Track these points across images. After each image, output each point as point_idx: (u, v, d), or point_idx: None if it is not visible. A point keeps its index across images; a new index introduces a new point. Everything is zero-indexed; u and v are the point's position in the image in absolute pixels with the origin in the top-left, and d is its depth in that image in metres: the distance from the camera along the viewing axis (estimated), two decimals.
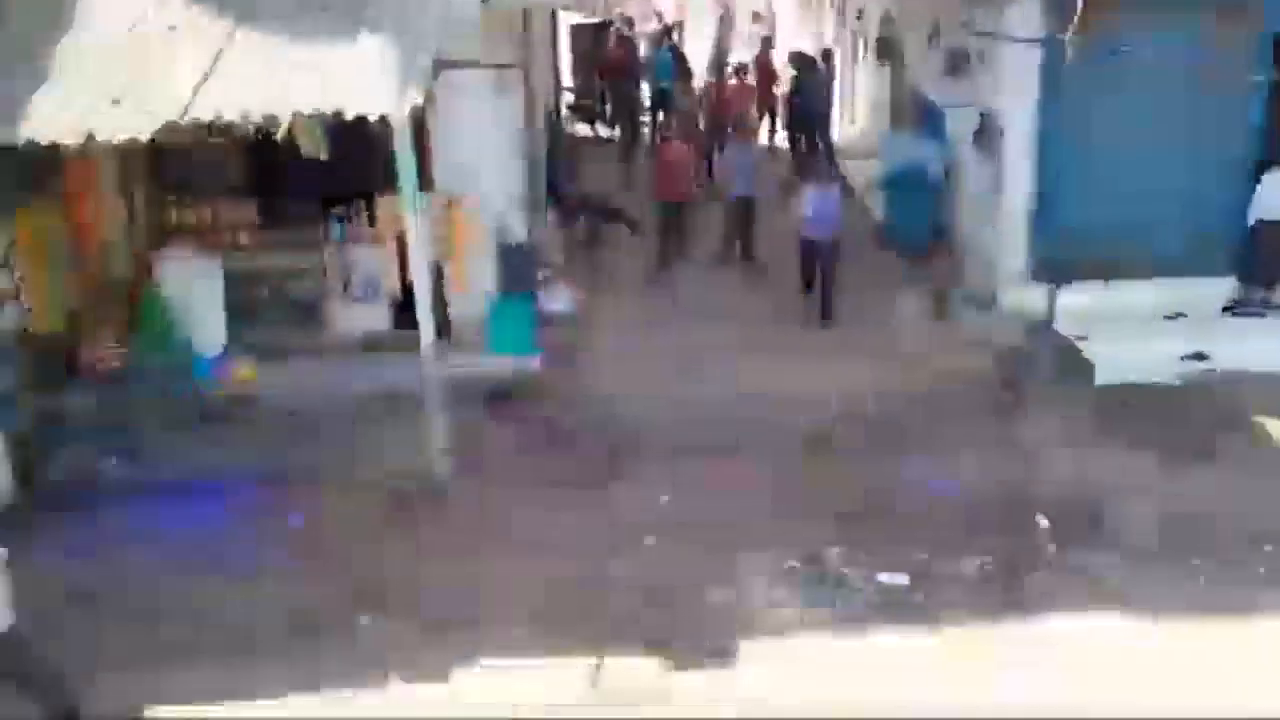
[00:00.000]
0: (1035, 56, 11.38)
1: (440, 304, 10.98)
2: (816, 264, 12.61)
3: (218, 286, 11.30)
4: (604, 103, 21.12)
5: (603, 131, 21.33)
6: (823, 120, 18.51)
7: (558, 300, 12.56)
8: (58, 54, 9.29)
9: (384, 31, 9.34)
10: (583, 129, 21.66)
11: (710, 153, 17.35)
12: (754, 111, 17.96)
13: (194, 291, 11.09)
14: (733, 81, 18.61)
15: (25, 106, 8.65)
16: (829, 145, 18.54)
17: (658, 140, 17.71)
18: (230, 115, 8.55)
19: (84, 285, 10.75)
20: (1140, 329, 11.44)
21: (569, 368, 11.52)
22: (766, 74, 19.94)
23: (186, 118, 8.59)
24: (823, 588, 8.04)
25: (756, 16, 29.60)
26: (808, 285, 12.86)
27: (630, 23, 24.66)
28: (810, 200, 12.54)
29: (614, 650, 7.46)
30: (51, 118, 8.57)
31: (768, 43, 23.18)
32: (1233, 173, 11.75)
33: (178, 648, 7.56)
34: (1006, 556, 8.31)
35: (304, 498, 9.29)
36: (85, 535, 8.85)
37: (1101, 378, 10.81)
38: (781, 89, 19.75)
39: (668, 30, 23.87)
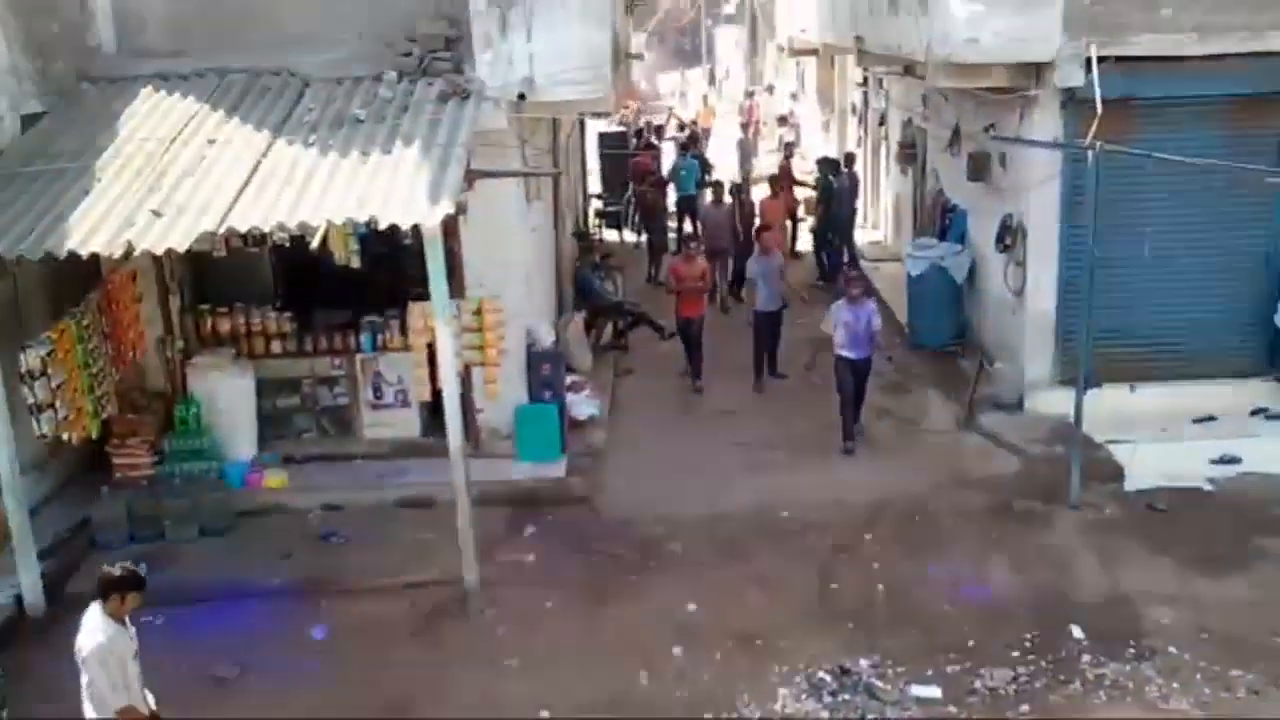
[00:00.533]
0: (1057, 160, 11.52)
1: (469, 410, 11.07)
2: (852, 382, 11.90)
3: (250, 394, 11.45)
4: (631, 209, 21.41)
5: (630, 237, 21.59)
6: (848, 224, 18.69)
7: (585, 406, 12.60)
8: (100, 166, 9.60)
9: (417, 142, 9.61)
10: (611, 235, 21.93)
11: (741, 264, 17.16)
12: (779, 223, 17.69)
13: (227, 399, 11.23)
14: (765, 195, 18.44)
15: (69, 218, 8.91)
16: (853, 249, 18.71)
17: (679, 253, 17.07)
18: (266, 226, 8.76)
19: (119, 393, 10.90)
20: (1169, 432, 11.36)
21: (596, 474, 11.52)
22: (788, 180, 20.29)
23: (224, 229, 8.81)
24: (854, 700, 7.90)
25: (783, 120, 30.14)
26: (844, 405, 11.96)
27: (659, 131, 25.17)
28: (843, 318, 11.81)
29: None
30: (94, 229, 8.83)
31: (790, 149, 23.57)
32: (1259, 274, 11.77)
33: None
34: (1040, 668, 8.16)
35: (332, 606, 9.27)
36: None
37: (1132, 482, 10.71)
38: (805, 194, 19.98)
39: (693, 138, 24.28)
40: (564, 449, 11.56)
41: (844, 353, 11.80)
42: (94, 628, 6.28)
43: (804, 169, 25.81)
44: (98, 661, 6.19)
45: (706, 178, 22.53)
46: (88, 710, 6.29)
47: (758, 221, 16.90)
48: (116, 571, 6.41)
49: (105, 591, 6.36)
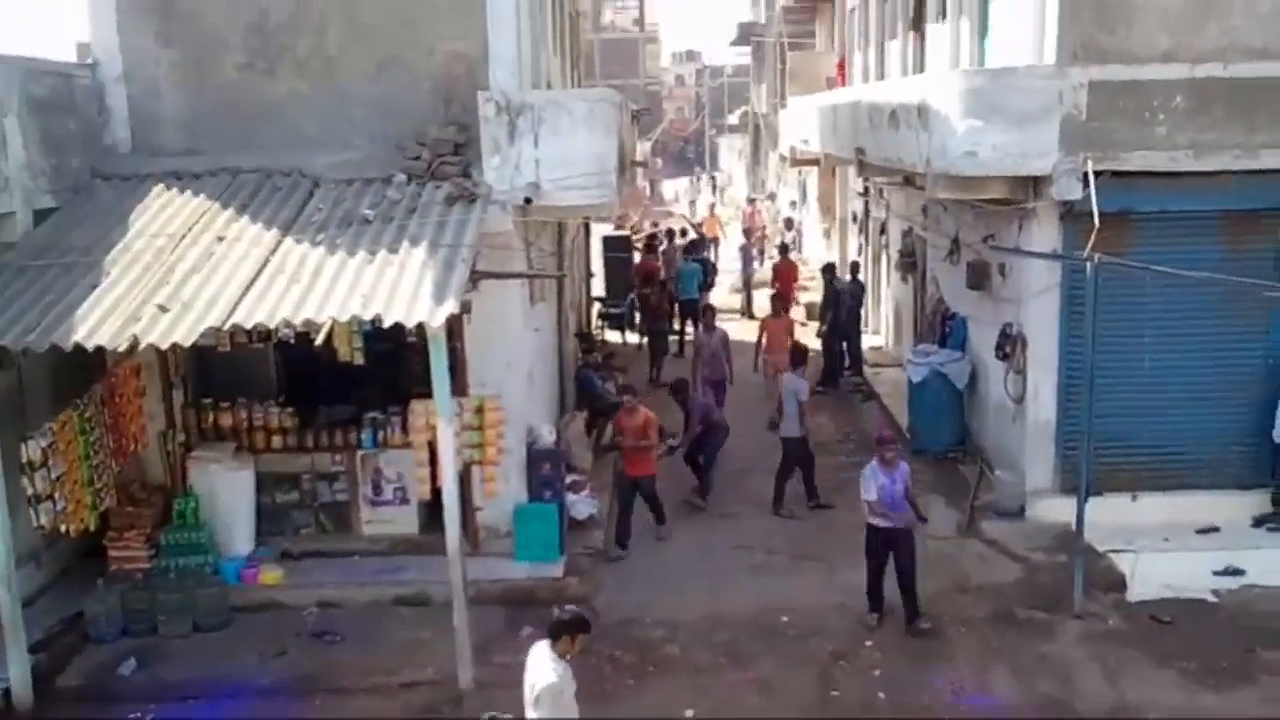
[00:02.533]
0: (1056, 271, 11.66)
1: (468, 508, 11.04)
2: (887, 555, 10.25)
3: (249, 489, 11.43)
4: (635, 311, 21.61)
5: (632, 339, 21.74)
6: (853, 330, 18.85)
7: (585, 506, 12.56)
8: (110, 261, 9.73)
9: (424, 243, 9.75)
10: (613, 336, 22.09)
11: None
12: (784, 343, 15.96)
13: (226, 493, 11.20)
14: (767, 315, 17.58)
15: (77, 311, 9.00)
16: (858, 355, 18.83)
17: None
18: (272, 323, 8.85)
19: (119, 485, 10.88)
20: (1172, 542, 11.31)
21: (595, 574, 11.42)
22: (785, 279, 21.48)
23: (229, 325, 8.90)
24: None
25: (790, 224, 30.62)
26: (873, 582, 10.38)
27: (670, 235, 25.53)
28: (875, 481, 10.15)
29: None
30: (100, 323, 8.92)
31: (785, 250, 23.95)
32: (1258, 386, 11.82)
33: None
34: None
35: (326, 705, 9.14)
36: None
37: (1135, 592, 10.62)
38: (802, 295, 20.29)
39: (695, 243, 24.62)
40: (563, 549, 11.49)
41: (876, 521, 10.15)
42: (546, 668, 6.70)
43: (805, 274, 26.21)
44: (549, 698, 6.59)
45: (710, 280, 22.86)
46: None
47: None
48: (566, 615, 6.85)
49: (557, 633, 6.79)
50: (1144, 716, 8.73)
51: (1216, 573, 10.83)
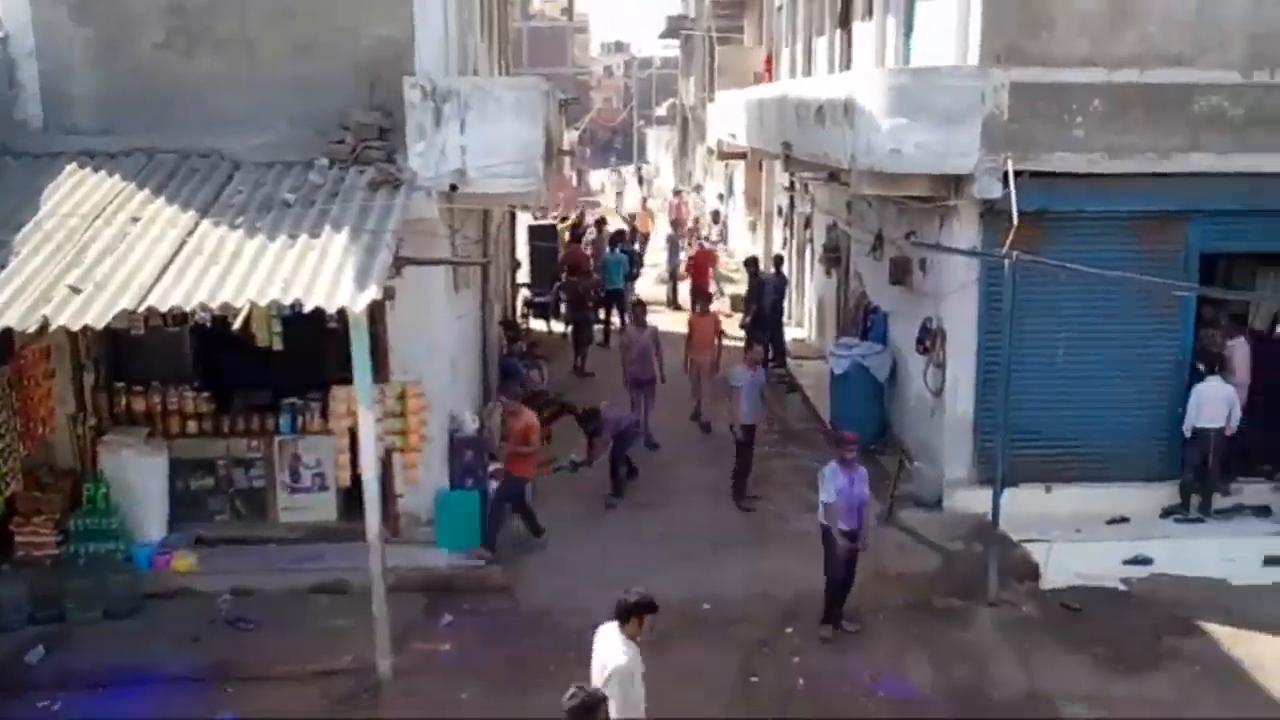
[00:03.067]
0: (975, 268, 11.85)
1: (390, 495, 10.93)
2: (843, 562, 10.05)
3: (162, 474, 11.20)
4: (560, 300, 21.56)
5: (558, 328, 21.70)
6: (775, 323, 18.99)
7: None
8: (20, 240, 9.45)
9: (346, 228, 9.61)
10: (538, 325, 22.01)
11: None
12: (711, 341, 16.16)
13: (138, 479, 10.96)
14: (694, 313, 17.21)
15: None
16: (781, 347, 18.98)
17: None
18: (188, 306, 8.66)
19: (25, 469, 10.60)
20: (1084, 532, 11.58)
21: (516, 563, 11.38)
22: (700, 268, 22.69)
23: (143, 307, 8.70)
24: None
25: (716, 217, 30.75)
26: (833, 584, 10.13)
27: (599, 224, 25.53)
28: (834, 483, 9.92)
29: None
30: (8, 303, 8.65)
31: (705, 239, 24.36)
32: (1168, 382, 12.14)
33: None
34: None
35: (240, 694, 8.98)
36: None
37: (1048, 580, 10.86)
38: (727, 287, 20.43)
39: (622, 233, 24.61)
40: (485, 537, 11.42)
41: (827, 521, 9.95)
42: (617, 650, 6.76)
43: (730, 266, 26.39)
44: (618, 680, 6.62)
45: (635, 271, 22.90)
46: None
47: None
48: (633, 597, 6.85)
49: (625, 616, 6.82)
50: (1055, 701, 8.92)
51: (1126, 562, 11.13)
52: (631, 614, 6.79)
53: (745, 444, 13.26)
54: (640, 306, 16.44)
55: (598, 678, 6.75)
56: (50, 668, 9.36)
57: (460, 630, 10.12)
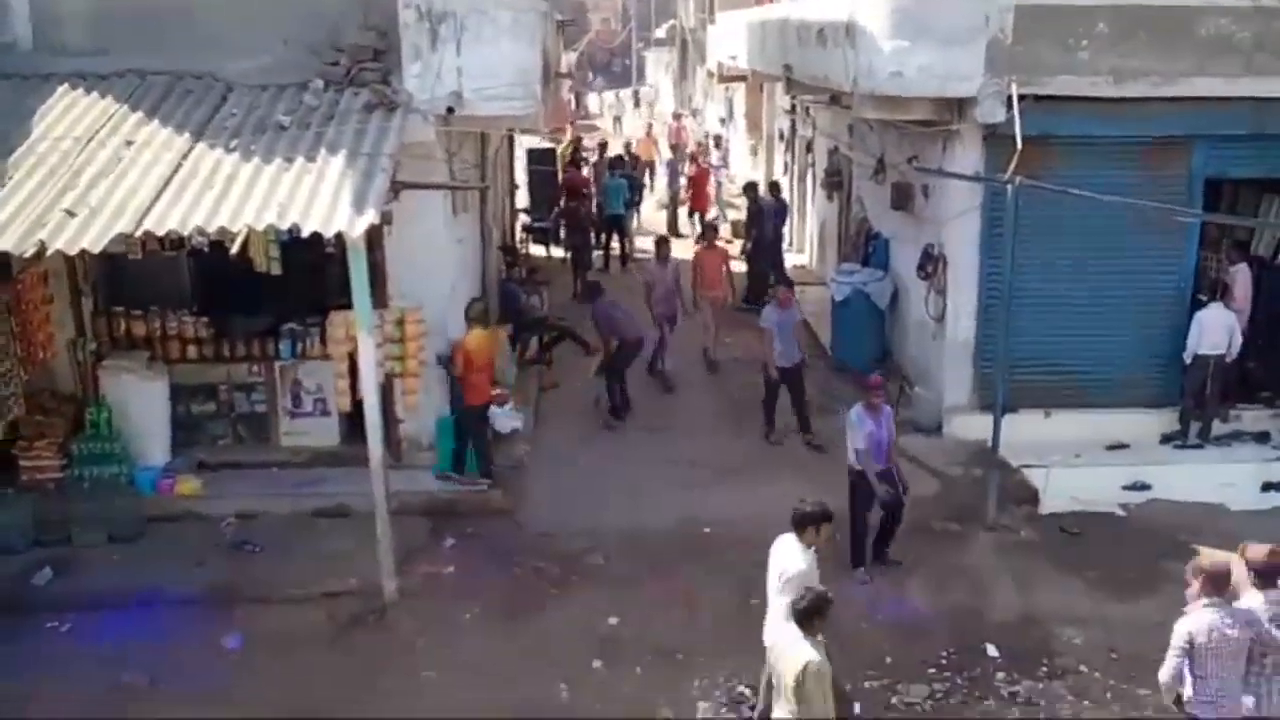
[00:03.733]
0: (978, 193, 11.76)
1: (391, 420, 10.95)
2: (875, 503, 9.87)
3: (164, 399, 11.21)
4: (560, 225, 21.44)
5: (557, 253, 21.61)
6: (774, 249, 18.88)
7: (508, 419, 12.53)
8: (13, 164, 9.34)
9: (342, 151, 9.50)
10: (538, 250, 21.90)
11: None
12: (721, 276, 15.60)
13: (139, 404, 10.96)
14: (700, 246, 16.53)
15: None
16: (781, 272, 18.88)
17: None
18: (184, 230, 8.59)
19: (27, 394, 10.59)
20: (1083, 458, 11.63)
21: (518, 487, 11.44)
22: (699, 187, 23.20)
23: (140, 231, 8.63)
24: None
25: (718, 141, 30.45)
26: (860, 526, 10.01)
27: (601, 148, 25.30)
28: (863, 428, 9.72)
29: None
30: (4, 228, 8.57)
31: (695, 159, 24.39)
32: (1169, 308, 12.12)
33: None
34: (956, 685, 8.27)
35: (246, 615, 9.08)
36: (13, 652, 8.56)
37: (1046, 505, 10.94)
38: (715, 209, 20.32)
39: (621, 158, 24.38)
40: (480, 467, 11.44)
41: (856, 463, 9.77)
42: (796, 556, 7.07)
43: (732, 191, 26.19)
44: (796, 586, 6.74)
45: (636, 198, 22.76)
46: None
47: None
48: (809, 507, 7.15)
49: (802, 524, 7.13)
50: (1050, 623, 9.03)
51: (1125, 487, 11.20)
52: (808, 522, 7.09)
53: (777, 385, 12.75)
54: (664, 241, 15.69)
55: (775, 584, 7.07)
56: (57, 590, 9.45)
57: (463, 553, 10.21)
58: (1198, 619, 6.51)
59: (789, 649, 6.22)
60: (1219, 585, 6.56)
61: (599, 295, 13.97)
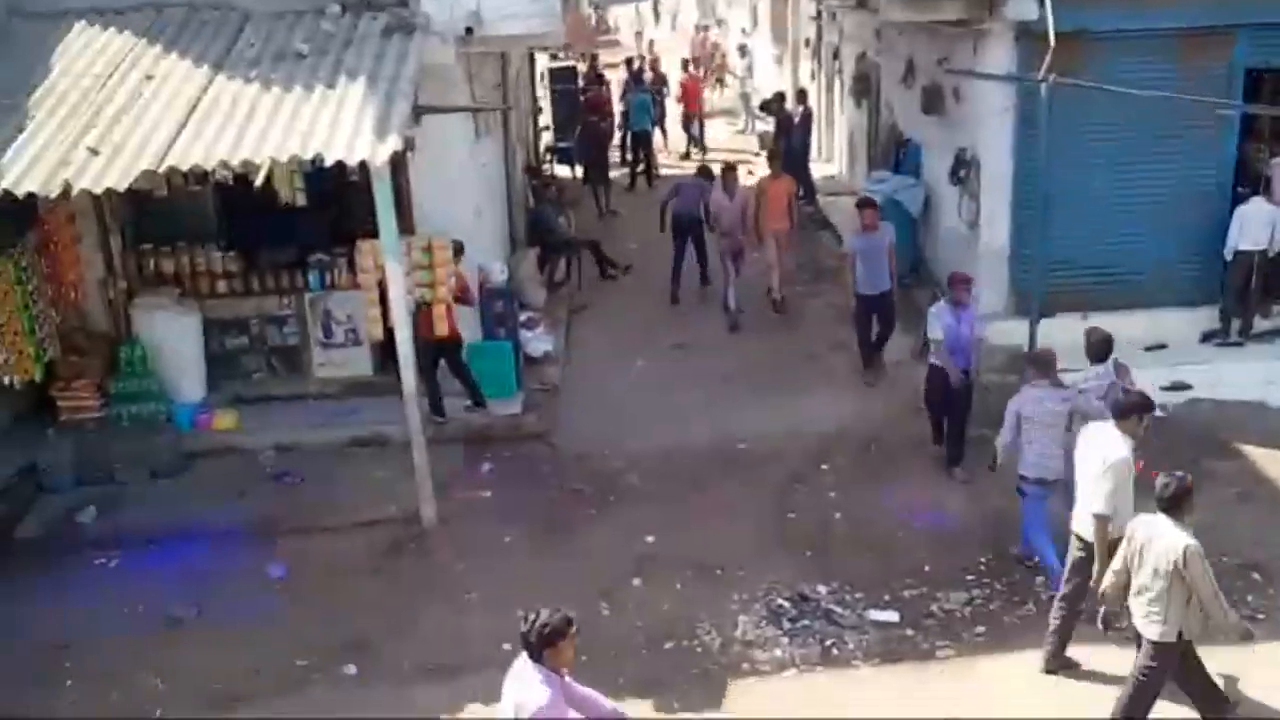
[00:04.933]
0: (1010, 94, 11.49)
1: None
2: (948, 402, 10.06)
3: (197, 335, 11.26)
4: (584, 144, 21.21)
5: (581, 172, 21.43)
6: (802, 158, 18.62)
7: (540, 343, 12.53)
8: (34, 103, 9.31)
9: (361, 78, 9.39)
10: (562, 170, 21.73)
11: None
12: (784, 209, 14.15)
13: (172, 340, 11.02)
14: (765, 175, 14.89)
15: (2, 157, 8.64)
16: (809, 183, 18.65)
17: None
18: (208, 164, 8.55)
19: (61, 335, 10.67)
20: (1122, 360, 11.46)
21: (552, 410, 11.47)
22: (690, 95, 23.64)
23: (164, 167, 8.59)
24: (813, 626, 7.98)
25: (743, 50, 29.91)
26: (936, 428, 10.34)
27: (637, 73, 24.91)
28: (940, 320, 9.84)
29: (605, 694, 7.37)
30: (29, 168, 8.57)
31: (686, 65, 25.81)
32: (1209, 204, 11.83)
33: (153, 704, 7.46)
34: (994, 591, 8.28)
35: (289, 545, 9.21)
36: (62, 589, 8.74)
37: None
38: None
39: (640, 73, 24.02)
40: (519, 386, 11.49)
41: (937, 360, 9.91)
42: (1119, 443, 7.07)
43: (757, 102, 25.79)
44: (1118, 470, 6.99)
45: (660, 114, 22.52)
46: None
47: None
48: (1133, 396, 7.30)
49: (1125, 413, 7.17)
50: None
51: (1164, 388, 11.03)
52: (1131, 412, 7.14)
53: (864, 315, 12.15)
54: (731, 170, 14.40)
55: (1096, 469, 7.07)
56: (102, 527, 9.61)
57: (500, 477, 10.28)
58: (1024, 396, 8.33)
59: (1163, 536, 6.29)
60: (1043, 369, 8.38)
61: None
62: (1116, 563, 6.63)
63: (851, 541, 9.04)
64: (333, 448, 10.64)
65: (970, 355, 9.97)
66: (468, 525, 9.45)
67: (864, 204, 12.29)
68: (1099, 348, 8.66)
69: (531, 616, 5.38)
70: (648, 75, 24.48)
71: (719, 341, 13.35)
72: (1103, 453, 7.09)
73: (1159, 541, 6.31)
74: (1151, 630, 6.43)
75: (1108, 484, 6.97)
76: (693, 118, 23.96)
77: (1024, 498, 8.43)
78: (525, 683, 5.35)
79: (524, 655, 5.44)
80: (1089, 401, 8.29)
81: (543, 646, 5.35)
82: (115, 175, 8.50)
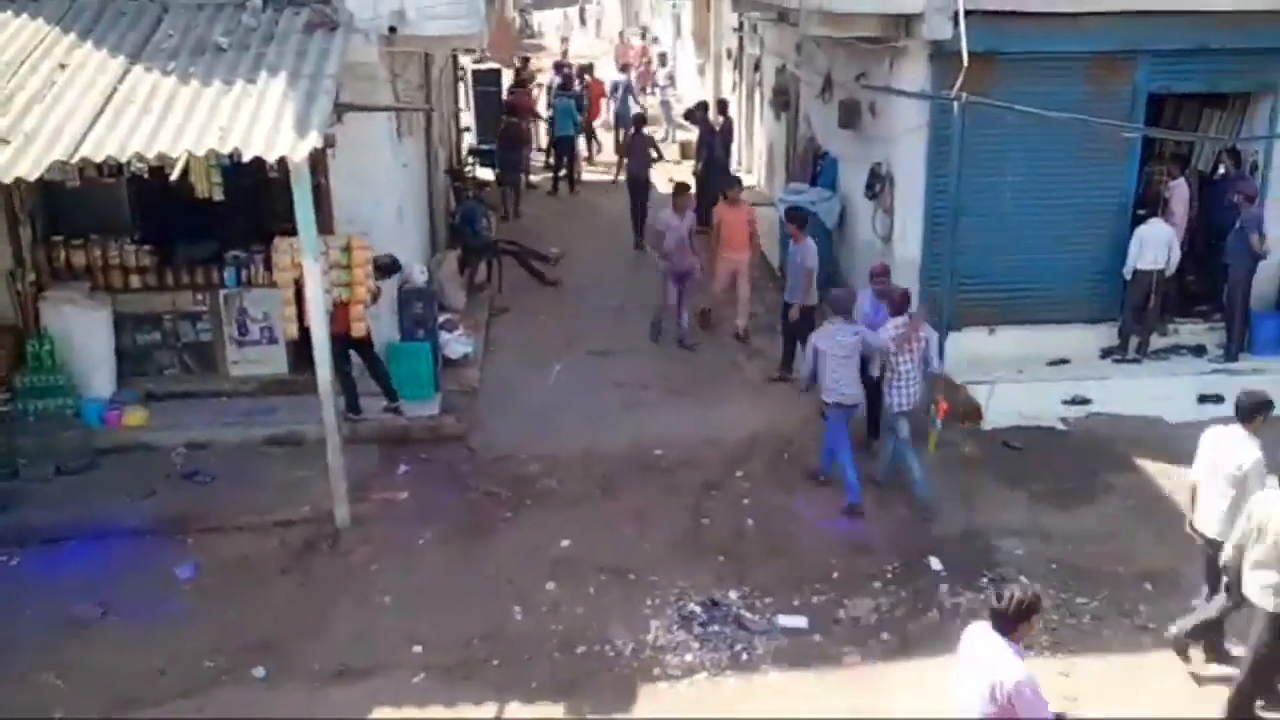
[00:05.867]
0: (925, 111, 11.76)
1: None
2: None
3: (107, 329, 11.05)
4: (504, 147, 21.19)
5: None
6: (723, 168, 18.79)
7: (459, 345, 12.51)
8: None
9: (283, 73, 9.32)
10: (484, 173, 21.68)
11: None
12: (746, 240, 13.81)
13: (82, 334, 10.81)
14: (721, 204, 14.09)
15: None
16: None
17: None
18: (122, 156, 8.41)
19: None
20: (1025, 373, 11.83)
21: (470, 413, 11.47)
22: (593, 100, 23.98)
23: (77, 158, 8.44)
24: (724, 631, 8.10)
25: (664, 59, 30.06)
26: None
27: (573, 75, 24.91)
28: (863, 308, 10.49)
29: (516, 699, 7.42)
30: None
31: (587, 70, 25.80)
32: (1111, 224, 12.24)
33: (55, 705, 7.32)
34: (901, 597, 8.49)
35: (199, 545, 9.10)
36: None
37: (989, 421, 11.14)
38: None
39: (568, 78, 24.07)
40: (437, 387, 11.48)
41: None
42: (1249, 446, 7.27)
43: (679, 111, 26.00)
44: (1257, 474, 7.16)
45: (581, 119, 22.54)
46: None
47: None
48: (1258, 396, 7.37)
49: (1249, 415, 7.34)
50: (991, 536, 9.26)
51: (1065, 402, 11.43)
52: (1256, 413, 7.31)
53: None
54: (683, 190, 13.87)
55: (1229, 472, 7.26)
56: (4, 524, 9.37)
57: (416, 479, 10.25)
58: (821, 333, 9.81)
59: None
60: (839, 310, 9.79)
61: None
62: (1235, 536, 6.94)
63: (763, 547, 9.19)
64: (247, 446, 10.52)
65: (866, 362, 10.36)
66: (383, 526, 9.41)
67: (790, 217, 12.58)
68: (900, 303, 9.93)
69: (1007, 592, 5.45)
70: (576, 82, 24.49)
71: (638, 347, 13.45)
72: (1236, 458, 7.27)
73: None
74: (1270, 602, 6.70)
75: (1248, 486, 7.16)
76: (590, 122, 24.09)
77: (826, 421, 9.91)
78: (999, 656, 5.38)
79: (983, 629, 5.52)
80: (875, 338, 9.71)
81: (1018, 620, 5.41)
82: (26, 165, 8.32)
